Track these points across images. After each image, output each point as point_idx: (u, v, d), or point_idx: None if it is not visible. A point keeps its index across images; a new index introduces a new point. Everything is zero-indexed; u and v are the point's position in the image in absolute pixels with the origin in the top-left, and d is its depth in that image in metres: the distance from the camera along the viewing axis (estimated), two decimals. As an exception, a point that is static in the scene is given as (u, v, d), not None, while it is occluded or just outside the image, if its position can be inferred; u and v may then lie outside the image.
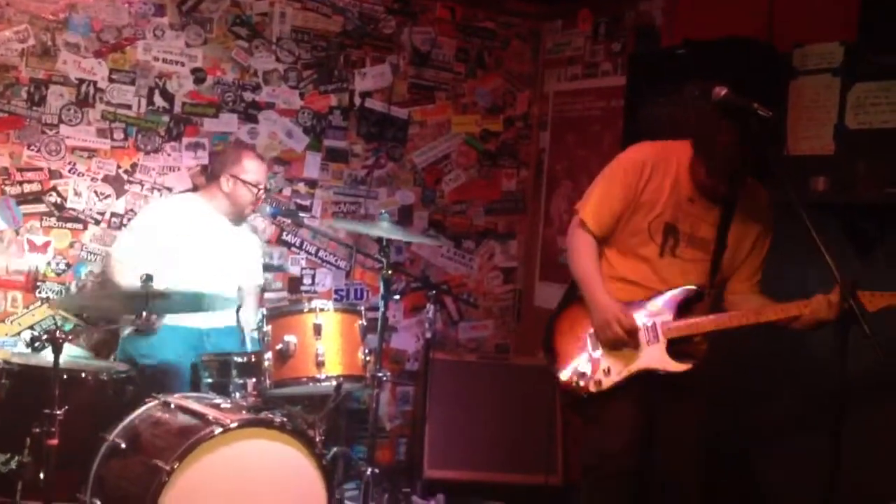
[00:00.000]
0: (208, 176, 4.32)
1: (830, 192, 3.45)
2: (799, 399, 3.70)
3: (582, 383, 3.03)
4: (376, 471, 3.80)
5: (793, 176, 2.94)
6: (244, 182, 4.06)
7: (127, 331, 3.94)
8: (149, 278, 3.22)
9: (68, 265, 4.26)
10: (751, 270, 3.12)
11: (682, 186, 3.04)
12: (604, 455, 3.06)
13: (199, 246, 4.03)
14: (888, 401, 3.26)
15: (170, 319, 3.88)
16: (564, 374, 3.08)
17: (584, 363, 3.06)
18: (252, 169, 4.10)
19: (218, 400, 3.40)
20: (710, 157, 2.93)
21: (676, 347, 3.00)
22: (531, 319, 5.21)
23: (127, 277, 3.75)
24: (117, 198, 4.34)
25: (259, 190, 4.10)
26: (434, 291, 4.34)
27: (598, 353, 3.04)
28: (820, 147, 3.56)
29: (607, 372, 3.01)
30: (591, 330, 3.07)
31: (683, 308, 3.03)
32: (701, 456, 3.12)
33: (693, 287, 3.04)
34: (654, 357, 3.00)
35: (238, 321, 3.83)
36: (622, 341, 2.98)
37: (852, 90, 3.47)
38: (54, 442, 2.92)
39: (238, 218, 4.19)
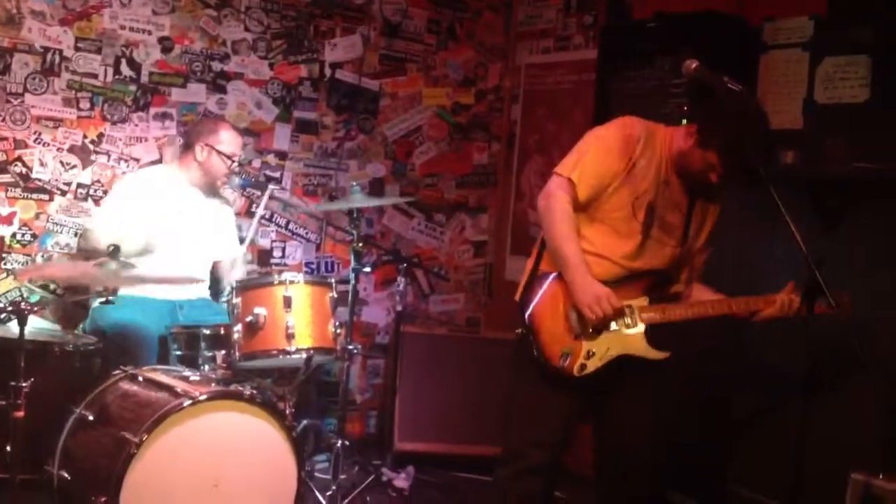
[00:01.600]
0: (182, 145, 4.28)
1: (799, 166, 3.47)
2: (765, 373, 3.74)
3: (566, 364, 2.88)
4: (346, 443, 3.81)
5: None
6: (219, 152, 4.03)
7: (97, 301, 3.91)
8: (116, 250, 3.19)
9: (34, 236, 4.21)
10: (699, 261, 3.09)
11: (663, 168, 2.95)
12: (534, 444, 2.98)
13: (174, 218, 4.00)
14: (852, 376, 3.31)
15: (142, 290, 3.86)
16: (549, 354, 2.89)
17: (568, 344, 2.90)
18: (228, 140, 4.07)
19: (187, 372, 3.39)
20: (728, 153, 2.79)
21: (651, 332, 2.94)
22: (502, 293, 5.22)
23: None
24: (83, 168, 4.29)
25: (233, 162, 4.07)
26: (405, 265, 4.35)
27: (582, 334, 2.90)
28: (789, 121, 3.58)
29: (589, 355, 2.89)
30: (573, 308, 2.90)
31: (656, 292, 2.98)
32: (658, 439, 3.10)
33: (666, 271, 3.00)
34: (633, 343, 2.92)
35: (214, 295, 3.79)
36: (608, 321, 2.88)
37: (821, 64, 3.49)
38: (21, 414, 2.89)
39: (210, 189, 4.15)
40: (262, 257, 4.73)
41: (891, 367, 3.23)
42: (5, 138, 4.13)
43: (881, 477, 3.02)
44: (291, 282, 3.53)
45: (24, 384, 2.90)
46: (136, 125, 4.37)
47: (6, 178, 4.15)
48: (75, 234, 4.25)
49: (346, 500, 3.73)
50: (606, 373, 2.92)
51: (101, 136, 4.31)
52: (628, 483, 3.08)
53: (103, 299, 3.80)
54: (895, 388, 3.13)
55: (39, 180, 4.21)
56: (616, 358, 2.91)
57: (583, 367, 2.89)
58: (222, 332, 3.52)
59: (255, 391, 3.26)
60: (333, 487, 3.67)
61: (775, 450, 3.52)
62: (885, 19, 3.31)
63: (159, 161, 4.38)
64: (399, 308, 4.34)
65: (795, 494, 2.80)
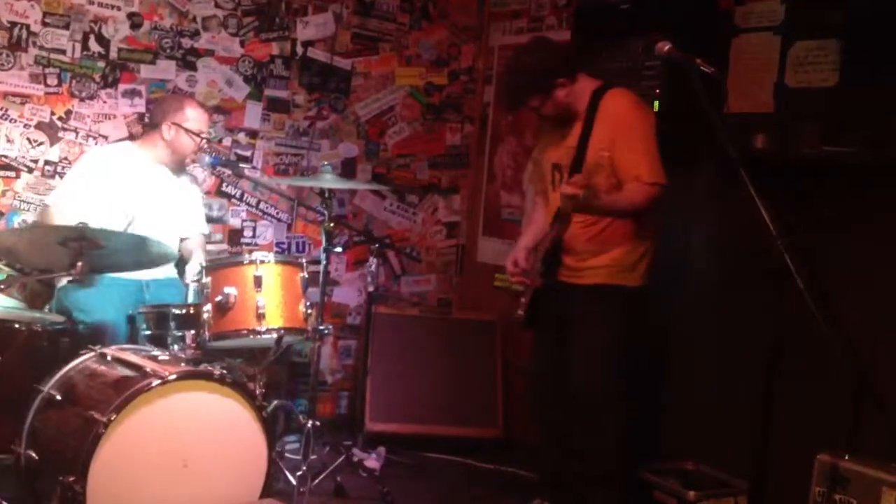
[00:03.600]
0: (148, 124, 4.23)
1: (769, 150, 3.49)
2: (732, 344, 3.78)
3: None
4: (317, 424, 3.79)
5: (733, 133, 2.96)
6: (186, 130, 3.99)
7: (63, 282, 3.87)
8: (83, 228, 3.15)
9: (0, 214, 4.15)
10: (626, 171, 3.30)
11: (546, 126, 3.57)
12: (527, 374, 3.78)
13: (140, 196, 3.97)
14: (819, 351, 3.33)
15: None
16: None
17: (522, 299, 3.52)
18: (194, 117, 4.04)
19: (156, 352, 3.36)
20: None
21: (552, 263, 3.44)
22: (473, 274, 5.23)
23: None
24: (51, 145, 4.23)
25: (201, 139, 4.04)
26: (377, 245, 4.33)
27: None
28: (760, 105, 3.60)
29: (524, 302, 3.46)
30: None
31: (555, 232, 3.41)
32: (604, 368, 3.41)
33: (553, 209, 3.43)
34: (535, 278, 3.45)
35: (181, 274, 3.76)
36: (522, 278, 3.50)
37: (792, 48, 3.50)
38: (-14, 394, 2.87)
39: (178, 167, 4.13)
40: (233, 237, 4.70)
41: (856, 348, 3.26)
42: (-29, 114, 4.07)
43: (847, 458, 3.06)
44: (262, 261, 3.51)
45: (-10, 363, 2.87)
46: (105, 102, 4.32)
47: (-28, 154, 4.09)
48: (40, 212, 4.21)
49: (317, 481, 3.73)
50: (551, 315, 3.47)
51: (69, 112, 4.26)
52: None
53: (70, 278, 3.77)
54: (860, 367, 3.16)
55: (6, 157, 4.15)
56: (534, 295, 3.44)
57: (521, 309, 3.49)
58: (192, 311, 3.49)
59: (224, 371, 3.24)
60: (304, 468, 3.65)
61: (741, 428, 3.55)
62: (854, 3, 3.32)
63: (127, 138, 4.33)
64: (371, 289, 4.33)
65: (759, 473, 2.84)
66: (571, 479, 3.52)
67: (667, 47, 2.91)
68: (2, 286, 2.98)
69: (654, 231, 3.48)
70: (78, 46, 4.24)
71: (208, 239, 4.45)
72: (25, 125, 4.17)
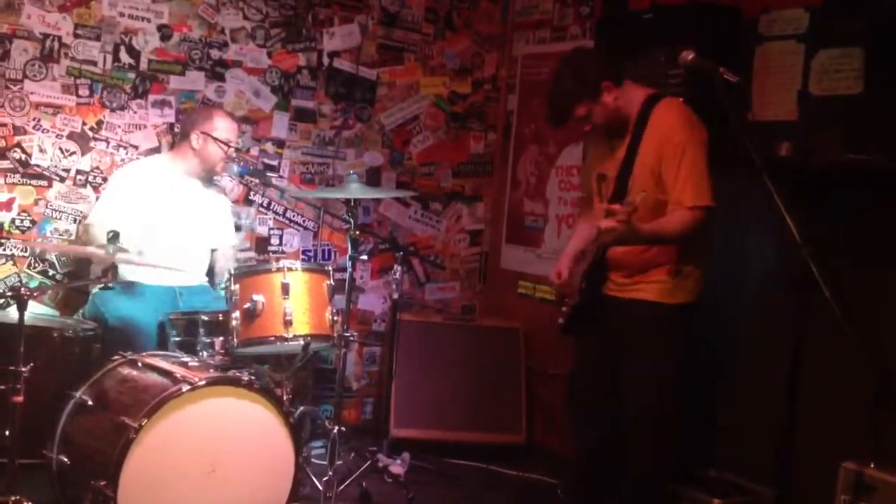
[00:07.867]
0: (178, 135, 4.29)
1: (794, 158, 3.49)
2: (754, 355, 3.78)
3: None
4: (343, 429, 3.83)
5: (757, 141, 2.97)
6: (215, 139, 4.04)
7: (96, 287, 3.93)
8: (115, 236, 3.20)
9: (33, 222, 4.22)
10: (670, 192, 3.18)
11: (595, 136, 3.43)
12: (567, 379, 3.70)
13: (172, 209, 4.02)
14: (843, 359, 3.33)
15: (142, 277, 3.89)
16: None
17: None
18: (223, 127, 4.09)
19: (185, 358, 3.40)
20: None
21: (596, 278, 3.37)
22: (497, 281, 5.25)
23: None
24: (82, 155, 4.30)
25: (229, 148, 4.09)
26: (401, 253, 4.36)
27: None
28: (784, 113, 3.60)
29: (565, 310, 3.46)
30: None
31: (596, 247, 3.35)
32: (659, 394, 3.27)
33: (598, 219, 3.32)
34: (575, 294, 3.40)
35: (212, 283, 3.81)
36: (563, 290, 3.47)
37: (816, 56, 3.50)
38: (20, 399, 2.92)
39: (208, 178, 4.18)
40: (260, 245, 4.75)
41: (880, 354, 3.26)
42: (4, 124, 4.14)
43: (872, 466, 3.05)
44: (289, 269, 3.55)
45: (23, 369, 2.92)
46: (135, 112, 4.38)
47: (5, 164, 4.16)
48: (74, 221, 4.27)
49: (343, 486, 3.75)
50: (598, 326, 3.39)
51: (100, 123, 4.32)
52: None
53: (102, 285, 3.83)
54: (883, 374, 3.16)
55: (38, 166, 4.22)
56: (575, 307, 3.42)
57: (562, 318, 3.48)
58: (220, 318, 3.54)
59: (252, 377, 3.28)
60: (330, 473, 3.69)
61: (765, 436, 3.55)
62: (878, 11, 3.32)
63: (157, 149, 4.40)
64: (395, 296, 4.35)
65: (783, 481, 2.84)
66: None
67: (690, 56, 2.92)
68: (35, 293, 3.03)
69: (703, 248, 3.36)
70: (109, 58, 4.31)
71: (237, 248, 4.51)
72: (57, 135, 4.24)
